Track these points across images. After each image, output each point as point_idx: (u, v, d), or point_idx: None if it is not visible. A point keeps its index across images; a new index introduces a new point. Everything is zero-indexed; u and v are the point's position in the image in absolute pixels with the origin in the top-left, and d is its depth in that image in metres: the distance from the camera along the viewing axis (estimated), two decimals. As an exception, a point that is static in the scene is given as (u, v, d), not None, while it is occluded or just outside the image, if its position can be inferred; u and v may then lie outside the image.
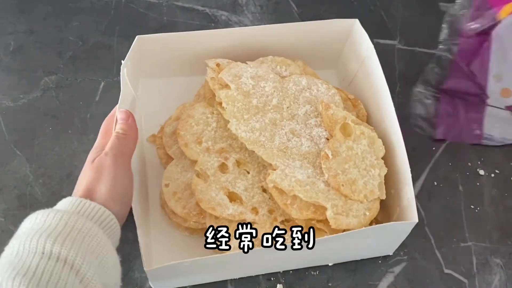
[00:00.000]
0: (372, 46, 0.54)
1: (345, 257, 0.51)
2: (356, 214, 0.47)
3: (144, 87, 0.59)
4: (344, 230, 0.46)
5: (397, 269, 0.52)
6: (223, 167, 0.50)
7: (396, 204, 0.50)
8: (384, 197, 0.48)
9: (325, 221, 0.46)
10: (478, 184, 0.58)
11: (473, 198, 0.57)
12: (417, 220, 0.45)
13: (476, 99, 0.60)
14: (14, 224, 0.52)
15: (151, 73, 0.59)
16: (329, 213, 0.46)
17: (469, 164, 0.59)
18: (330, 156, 0.47)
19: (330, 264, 0.51)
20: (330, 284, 0.50)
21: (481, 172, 0.59)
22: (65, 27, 0.61)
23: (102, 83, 0.59)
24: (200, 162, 0.49)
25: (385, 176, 0.49)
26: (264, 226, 0.47)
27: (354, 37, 0.59)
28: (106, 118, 0.48)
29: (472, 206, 0.57)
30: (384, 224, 0.45)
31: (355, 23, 0.58)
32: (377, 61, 0.53)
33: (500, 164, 0.59)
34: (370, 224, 0.48)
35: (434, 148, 0.59)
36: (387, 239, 0.49)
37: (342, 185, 0.47)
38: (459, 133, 0.60)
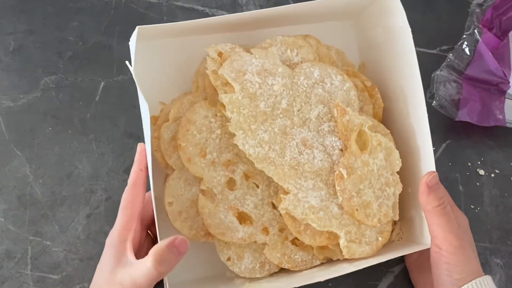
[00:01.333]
0: (408, 27, 0.47)
1: None
2: (369, 240, 0.47)
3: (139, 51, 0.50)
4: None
5: (397, 269, 0.52)
6: (230, 183, 0.48)
7: (412, 206, 0.49)
8: (397, 218, 0.48)
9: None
10: (478, 184, 0.58)
11: (473, 198, 0.57)
12: (429, 246, 0.45)
13: (496, 89, 0.59)
14: (14, 224, 0.53)
15: (145, 35, 0.51)
16: (342, 242, 0.45)
17: (469, 164, 0.59)
18: (345, 176, 0.46)
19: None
20: (330, 284, 0.50)
21: (481, 172, 0.59)
22: (65, 27, 0.61)
23: (102, 83, 0.59)
24: (206, 180, 0.47)
25: (405, 171, 0.48)
26: (275, 247, 0.47)
27: (384, 4, 0.51)
28: (126, 191, 0.45)
29: (472, 206, 0.57)
30: (400, 250, 0.46)
31: None
32: (411, 44, 0.47)
33: (500, 164, 0.59)
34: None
35: (434, 148, 0.59)
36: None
37: (356, 210, 0.46)
38: (482, 116, 0.59)
